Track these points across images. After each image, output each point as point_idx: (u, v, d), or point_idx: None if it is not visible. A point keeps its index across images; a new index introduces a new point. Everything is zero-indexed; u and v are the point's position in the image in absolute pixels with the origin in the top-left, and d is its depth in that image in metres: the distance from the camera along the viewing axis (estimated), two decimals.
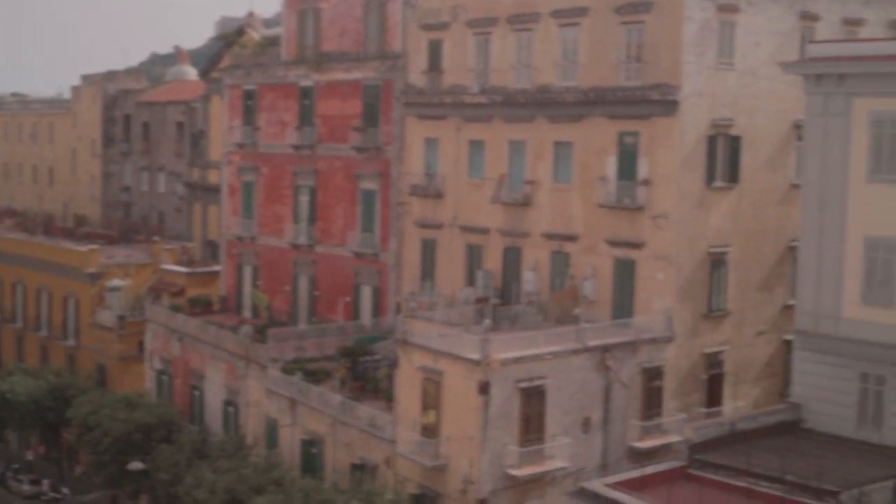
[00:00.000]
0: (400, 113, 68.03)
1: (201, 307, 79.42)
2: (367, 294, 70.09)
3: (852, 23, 59.98)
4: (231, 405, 67.70)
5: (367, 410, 55.96)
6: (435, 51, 66.02)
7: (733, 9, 55.07)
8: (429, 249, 66.24)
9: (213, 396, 69.88)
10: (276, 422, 62.19)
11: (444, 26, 65.21)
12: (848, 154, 49.14)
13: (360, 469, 54.98)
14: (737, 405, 56.76)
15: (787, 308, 57.31)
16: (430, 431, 51.06)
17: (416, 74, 67.15)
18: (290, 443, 60.82)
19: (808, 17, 58.15)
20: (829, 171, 49.70)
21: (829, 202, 49.76)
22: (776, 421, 50.32)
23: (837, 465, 45.20)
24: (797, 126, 56.27)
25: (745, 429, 49.39)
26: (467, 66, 63.98)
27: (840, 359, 49.51)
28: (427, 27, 66.24)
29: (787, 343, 56.48)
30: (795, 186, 56.31)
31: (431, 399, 51.11)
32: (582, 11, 57.74)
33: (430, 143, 66.28)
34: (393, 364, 55.17)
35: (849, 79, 49.11)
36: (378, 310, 68.97)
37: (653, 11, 54.67)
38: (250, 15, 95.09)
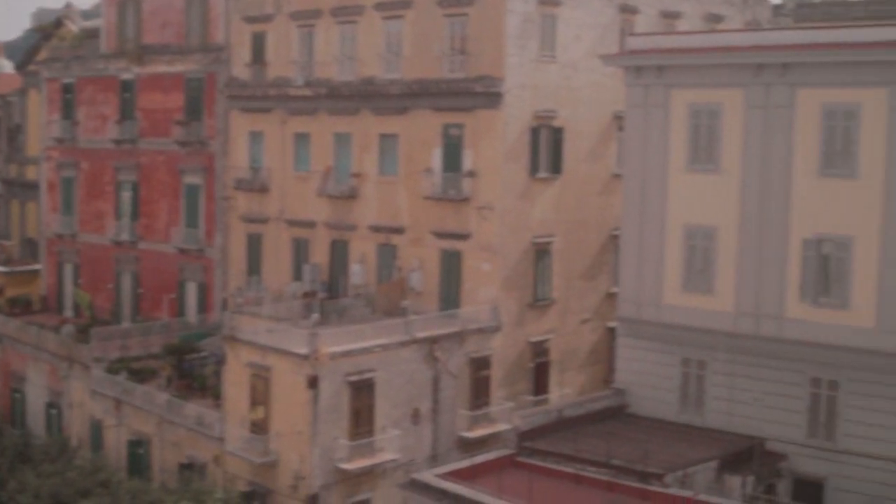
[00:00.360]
0: (224, 106, 67.26)
1: (21, 307, 77.44)
2: (192, 290, 69.15)
3: (670, 16, 61.32)
4: (54, 407, 66.12)
5: (194, 408, 55.21)
6: (258, 43, 65.42)
7: (554, 2, 55.79)
8: (255, 244, 65.65)
9: (35, 399, 68.16)
10: (101, 423, 60.97)
11: (267, 18, 64.67)
12: (667, 144, 50.22)
13: (189, 468, 54.22)
14: (563, 392, 57.59)
15: (610, 296, 58.38)
16: (259, 428, 50.62)
17: (240, 67, 66.46)
18: (115, 444, 59.67)
19: (627, 10, 59.25)
20: (649, 161, 50.72)
21: (649, 192, 50.79)
22: (602, 407, 51.21)
23: (662, 448, 46.20)
24: (618, 117, 57.28)
25: (572, 415, 50.14)
26: (291, 59, 63.58)
27: (662, 345, 50.63)
28: (250, 19, 65.61)
29: (611, 330, 57.53)
30: (617, 176, 57.32)
31: (260, 395, 50.67)
32: (405, 4, 57.84)
33: (255, 137, 65.69)
34: (220, 361, 54.54)
35: (667, 71, 50.19)
36: (204, 306, 68.13)
37: (475, 4, 55.04)
38: (68, 6, 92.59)
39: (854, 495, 45.27)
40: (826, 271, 46.24)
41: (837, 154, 45.81)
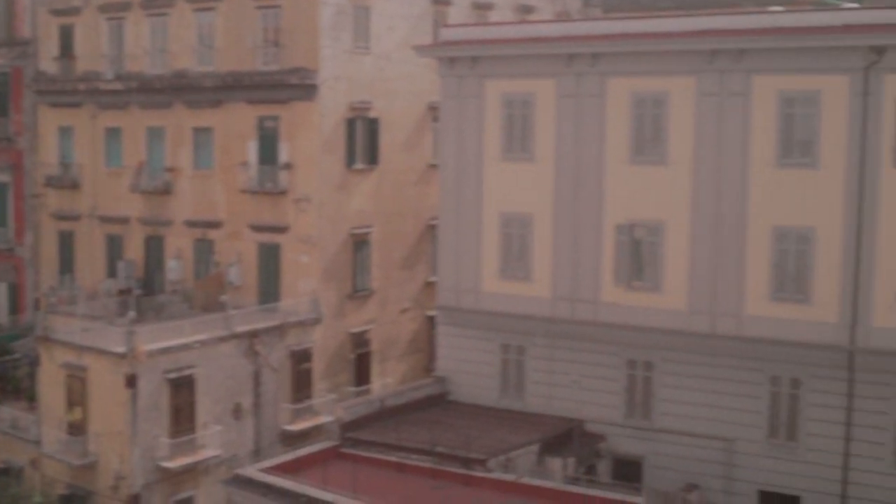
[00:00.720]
0: (32, 101, 65.58)
1: None
2: (2, 291, 67.23)
3: (482, 6, 61.99)
4: None
5: (8, 412, 53.95)
6: (66, 37, 63.95)
7: None
8: (67, 242, 64.24)
9: None
10: None
11: (75, 11, 63.25)
12: (482, 134, 50.76)
13: (5, 473, 52.90)
14: (385, 382, 57.84)
15: (429, 285, 58.85)
16: (76, 429, 49.60)
17: (48, 61, 64.90)
18: None
19: (440, 1, 59.70)
20: (464, 150, 51.21)
21: (465, 181, 51.29)
22: (424, 395, 51.55)
23: (484, 434, 46.73)
24: (433, 108, 57.72)
25: (394, 405, 50.34)
26: (101, 52, 62.34)
27: (481, 332, 51.20)
28: (57, 12, 64.08)
29: (431, 319, 58.00)
30: (433, 166, 57.72)
31: (77, 396, 49.65)
32: None
33: (65, 132, 64.24)
34: (34, 362, 53.28)
35: (481, 62, 50.69)
36: (16, 307, 66.34)
37: None
38: None
39: (671, 472, 46.56)
40: (639, 256, 47.37)
41: (647, 141, 46.98)
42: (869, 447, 43.19)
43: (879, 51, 42.20)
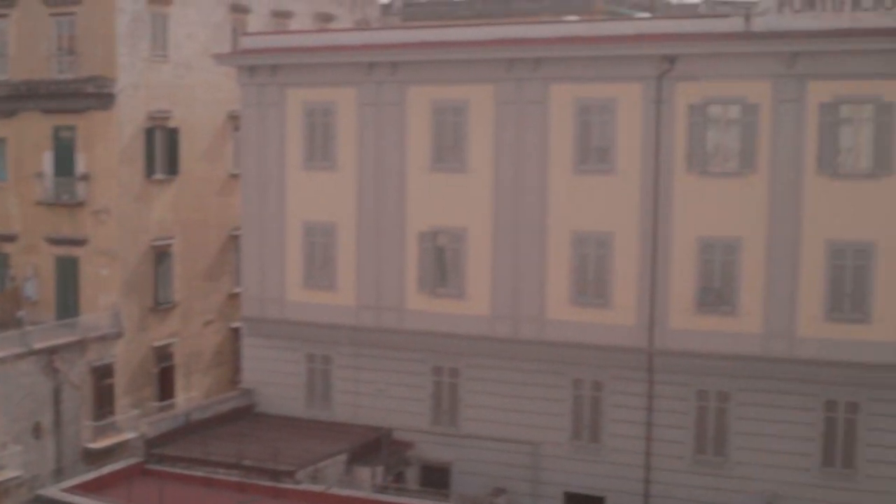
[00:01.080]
0: None
1: None
2: None
3: (282, 15, 61.72)
4: None
5: None
6: None
7: (164, 1, 55.06)
8: None
9: None
10: None
11: None
12: (284, 143, 50.52)
13: None
14: (190, 396, 57.13)
15: (233, 296, 58.31)
16: None
17: None
18: None
19: (239, 9, 59.22)
20: (266, 159, 50.89)
21: (267, 190, 50.97)
22: (230, 408, 51.06)
23: (292, 445, 46.53)
24: (233, 117, 57.19)
25: (200, 418, 49.70)
26: None
27: (287, 342, 50.97)
28: None
29: (235, 331, 57.53)
30: (235, 176, 57.23)
31: None
32: (9, 3, 55.60)
33: None
34: None
35: (281, 70, 50.43)
36: None
37: (83, 3, 53.58)
38: None
39: (478, 477, 47.06)
40: (442, 263, 47.77)
41: (448, 149, 47.40)
42: (669, 446, 44.42)
43: (671, 59, 43.40)
